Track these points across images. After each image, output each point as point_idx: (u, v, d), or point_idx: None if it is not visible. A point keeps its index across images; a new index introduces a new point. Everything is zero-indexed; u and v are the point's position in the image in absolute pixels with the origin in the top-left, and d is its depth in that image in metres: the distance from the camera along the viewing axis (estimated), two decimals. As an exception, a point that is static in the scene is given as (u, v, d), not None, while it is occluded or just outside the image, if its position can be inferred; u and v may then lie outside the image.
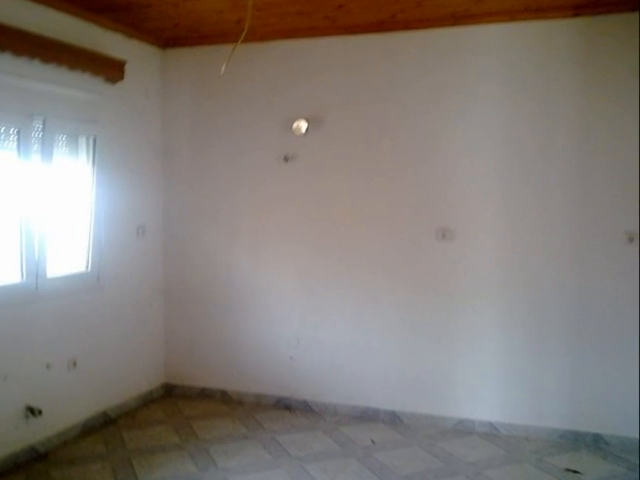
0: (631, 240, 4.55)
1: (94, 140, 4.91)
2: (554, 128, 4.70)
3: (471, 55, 4.86)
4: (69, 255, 4.85)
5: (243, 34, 4.08)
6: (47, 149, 4.51)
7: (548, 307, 4.79)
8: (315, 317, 5.40)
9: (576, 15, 4.58)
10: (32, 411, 4.38)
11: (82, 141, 4.91)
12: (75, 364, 4.78)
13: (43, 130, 4.46)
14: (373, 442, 4.79)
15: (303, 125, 5.19)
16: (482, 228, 4.92)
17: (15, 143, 4.30)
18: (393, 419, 5.20)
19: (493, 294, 4.92)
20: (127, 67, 5.02)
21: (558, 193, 4.72)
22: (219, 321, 5.69)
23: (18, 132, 4.29)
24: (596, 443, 4.70)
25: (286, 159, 5.35)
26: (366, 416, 5.27)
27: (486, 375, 4.97)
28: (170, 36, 5.50)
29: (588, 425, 4.74)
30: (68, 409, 4.72)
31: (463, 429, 5.02)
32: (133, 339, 5.45)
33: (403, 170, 5.10)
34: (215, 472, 4.26)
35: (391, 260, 5.16)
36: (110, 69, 4.87)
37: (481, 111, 4.87)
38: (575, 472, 4.28)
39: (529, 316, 4.83)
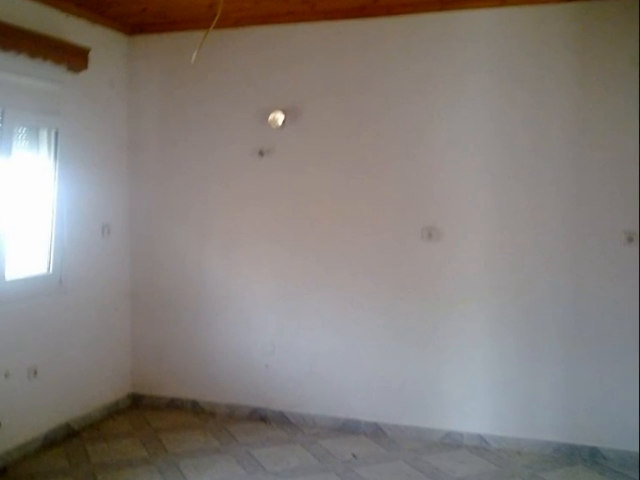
0: (630, 240, 4.39)
1: (56, 133, 4.76)
2: (548, 120, 4.53)
3: (459, 42, 4.69)
4: (29, 256, 4.69)
5: (215, 19, 3.95)
6: (6, 142, 4.33)
7: (542, 312, 4.61)
8: (292, 322, 5.20)
9: (571, -1, 4.43)
10: (-11, 423, 4.16)
11: (43, 134, 4.74)
12: (36, 373, 4.59)
13: (1, 122, 4.28)
14: (354, 456, 4.61)
15: (279, 117, 5.02)
16: (471, 227, 4.74)
17: (-29, 137, 4.12)
18: (376, 431, 5.00)
19: (483, 298, 4.74)
20: (91, 55, 4.85)
21: (552, 190, 4.55)
22: (190, 327, 5.48)
23: (-26, 125, 4.11)
24: (593, 457, 4.53)
25: (261, 153, 5.17)
26: (347, 428, 5.07)
27: (475, 384, 4.78)
28: (137, 22, 5.31)
29: (584, 438, 4.56)
30: (28, 421, 4.53)
31: (450, 442, 4.83)
32: (98, 346, 5.24)
33: (386, 165, 4.92)
34: (185, 489, 4.09)
35: (373, 261, 4.98)
36: (73, 57, 4.70)
37: (470, 102, 4.69)
38: (571, 489, 4.14)
39: (521, 321, 4.65)
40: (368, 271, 4.98)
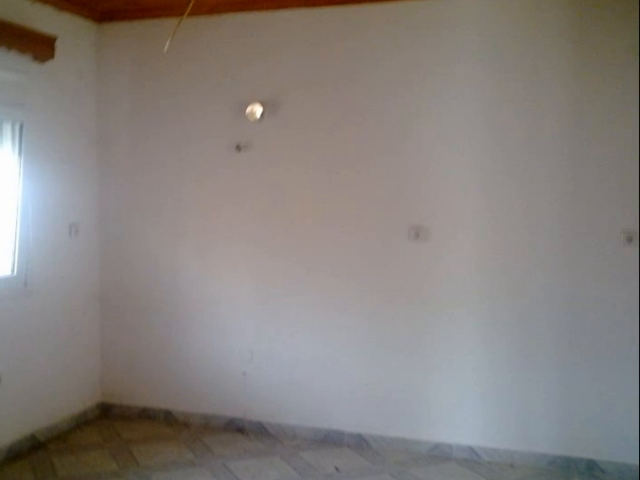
0: (630, 240, 4.24)
1: (21, 126, 4.62)
2: (543, 113, 4.39)
3: (448, 30, 4.55)
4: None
5: (190, 6, 3.76)
6: (-33, 137, 4.30)
7: (536, 316, 4.47)
8: (271, 328, 5.04)
9: (568, -16, 4.31)
10: (-50, 434, 4.10)
11: (7, 128, 4.58)
12: (-1, 381, 4.62)
13: (-37, 115, 4.28)
14: (337, 469, 4.44)
15: (258, 110, 4.87)
16: (460, 226, 4.59)
17: None
18: (359, 443, 4.84)
19: (473, 301, 4.58)
20: (58, 44, 4.71)
21: (547, 187, 4.41)
22: (162, 332, 5.31)
23: None
24: (590, 470, 4.38)
25: (238, 148, 5.01)
26: (329, 440, 4.90)
27: (465, 393, 4.63)
28: (106, 8, 5.15)
29: (581, 450, 4.42)
30: (-9, 432, 4.46)
31: (439, 454, 4.66)
32: (65, 352, 5.08)
33: (371, 161, 4.77)
34: (157, 504, 4.04)
35: (357, 263, 4.82)
36: (39, 46, 4.57)
37: (459, 94, 4.54)
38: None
39: (514, 326, 4.51)
40: (352, 273, 4.83)
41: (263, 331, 5.05)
